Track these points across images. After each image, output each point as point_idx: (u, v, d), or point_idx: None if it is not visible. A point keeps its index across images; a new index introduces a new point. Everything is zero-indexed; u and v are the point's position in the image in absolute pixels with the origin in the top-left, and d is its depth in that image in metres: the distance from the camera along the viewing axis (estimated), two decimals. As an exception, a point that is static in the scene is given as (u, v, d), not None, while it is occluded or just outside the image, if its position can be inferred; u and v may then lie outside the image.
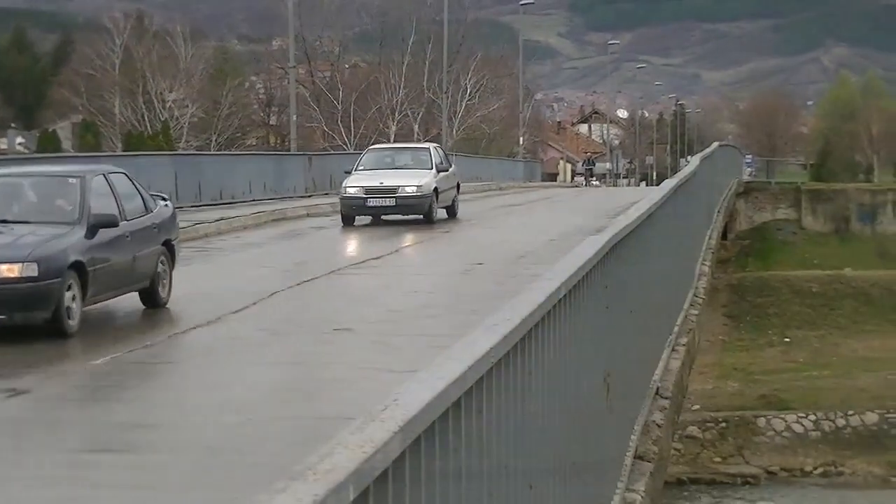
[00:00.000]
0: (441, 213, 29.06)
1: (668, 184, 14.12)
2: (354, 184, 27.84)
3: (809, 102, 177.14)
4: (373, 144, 43.80)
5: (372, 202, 27.45)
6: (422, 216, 27.82)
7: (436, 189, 27.99)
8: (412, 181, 27.68)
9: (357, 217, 27.77)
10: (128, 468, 8.61)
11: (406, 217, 28.00)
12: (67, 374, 11.76)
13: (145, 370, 11.91)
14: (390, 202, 27.48)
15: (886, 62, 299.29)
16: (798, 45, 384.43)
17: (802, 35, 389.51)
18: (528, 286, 5.69)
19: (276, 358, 12.36)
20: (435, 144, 32.65)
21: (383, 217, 28.09)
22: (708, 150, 28.63)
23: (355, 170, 28.78)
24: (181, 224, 25.90)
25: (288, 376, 11.65)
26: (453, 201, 29.95)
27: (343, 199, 27.96)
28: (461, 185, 31.58)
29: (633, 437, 9.24)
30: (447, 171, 29.24)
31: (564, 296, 5.83)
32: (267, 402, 10.42)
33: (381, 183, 27.57)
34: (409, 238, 25.40)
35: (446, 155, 31.07)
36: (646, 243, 10.20)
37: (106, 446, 9.16)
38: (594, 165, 78.42)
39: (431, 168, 28.53)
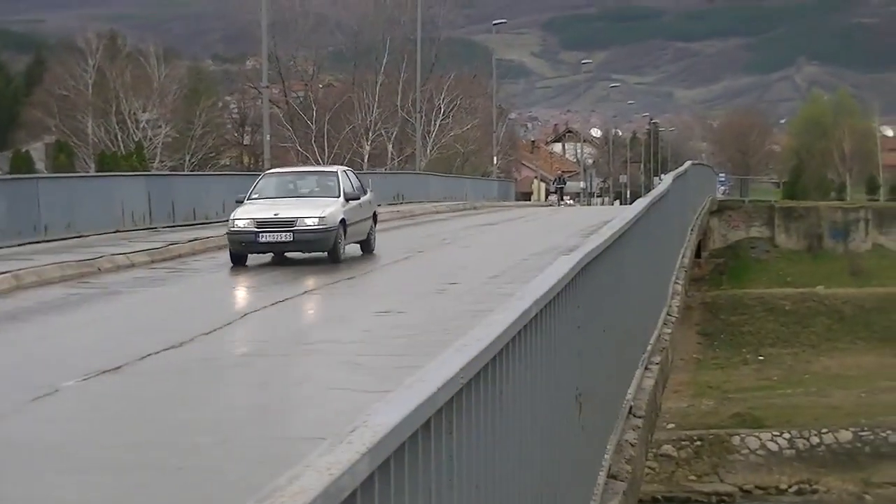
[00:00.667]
0: (353, 249, 25.10)
1: (641, 202, 14.12)
2: (244, 216, 23.46)
3: (782, 120, 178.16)
4: (345, 164, 43.72)
5: (265, 237, 23.17)
6: (325, 253, 23.72)
7: (343, 221, 23.79)
8: (313, 212, 23.49)
9: (250, 256, 23.79)
10: (99, 488, 8.56)
11: (307, 255, 24.14)
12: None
13: (113, 389, 11.84)
14: (286, 237, 23.22)
15: (858, 80, 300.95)
16: (770, 64, 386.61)
17: (774, 53, 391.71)
18: (500, 305, 5.68)
19: (247, 378, 12.31)
20: (345, 168, 27.55)
21: (286, 254, 24.14)
22: (681, 169, 28.64)
23: (248, 198, 24.55)
24: (155, 245, 26.11)
25: (259, 397, 11.60)
26: (368, 235, 25.67)
27: (230, 234, 23.52)
28: (378, 214, 27.51)
29: (606, 456, 9.22)
30: (359, 199, 25.01)
31: (536, 315, 5.82)
32: (237, 423, 10.38)
33: (276, 214, 23.38)
34: (383, 257, 25.37)
35: (360, 180, 26.74)
36: (619, 262, 10.20)
37: (82, 465, 9.11)
38: (564, 184, 78.43)
39: (339, 196, 24.35)
